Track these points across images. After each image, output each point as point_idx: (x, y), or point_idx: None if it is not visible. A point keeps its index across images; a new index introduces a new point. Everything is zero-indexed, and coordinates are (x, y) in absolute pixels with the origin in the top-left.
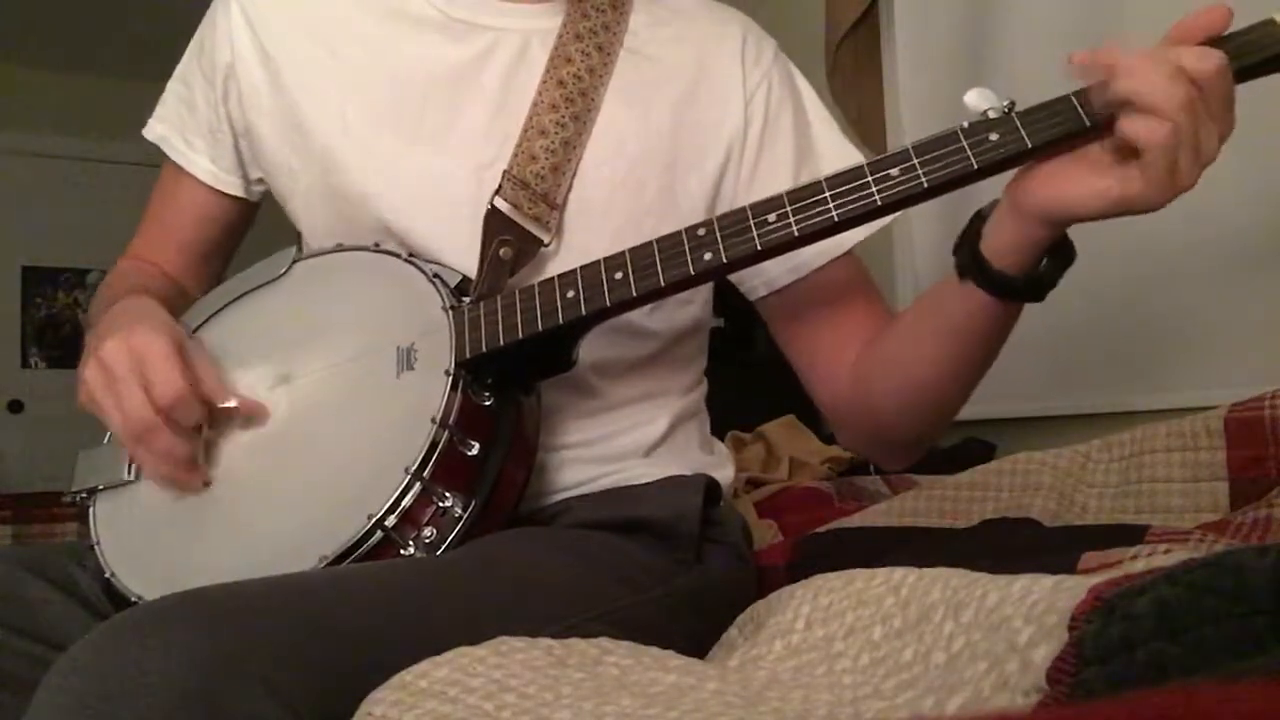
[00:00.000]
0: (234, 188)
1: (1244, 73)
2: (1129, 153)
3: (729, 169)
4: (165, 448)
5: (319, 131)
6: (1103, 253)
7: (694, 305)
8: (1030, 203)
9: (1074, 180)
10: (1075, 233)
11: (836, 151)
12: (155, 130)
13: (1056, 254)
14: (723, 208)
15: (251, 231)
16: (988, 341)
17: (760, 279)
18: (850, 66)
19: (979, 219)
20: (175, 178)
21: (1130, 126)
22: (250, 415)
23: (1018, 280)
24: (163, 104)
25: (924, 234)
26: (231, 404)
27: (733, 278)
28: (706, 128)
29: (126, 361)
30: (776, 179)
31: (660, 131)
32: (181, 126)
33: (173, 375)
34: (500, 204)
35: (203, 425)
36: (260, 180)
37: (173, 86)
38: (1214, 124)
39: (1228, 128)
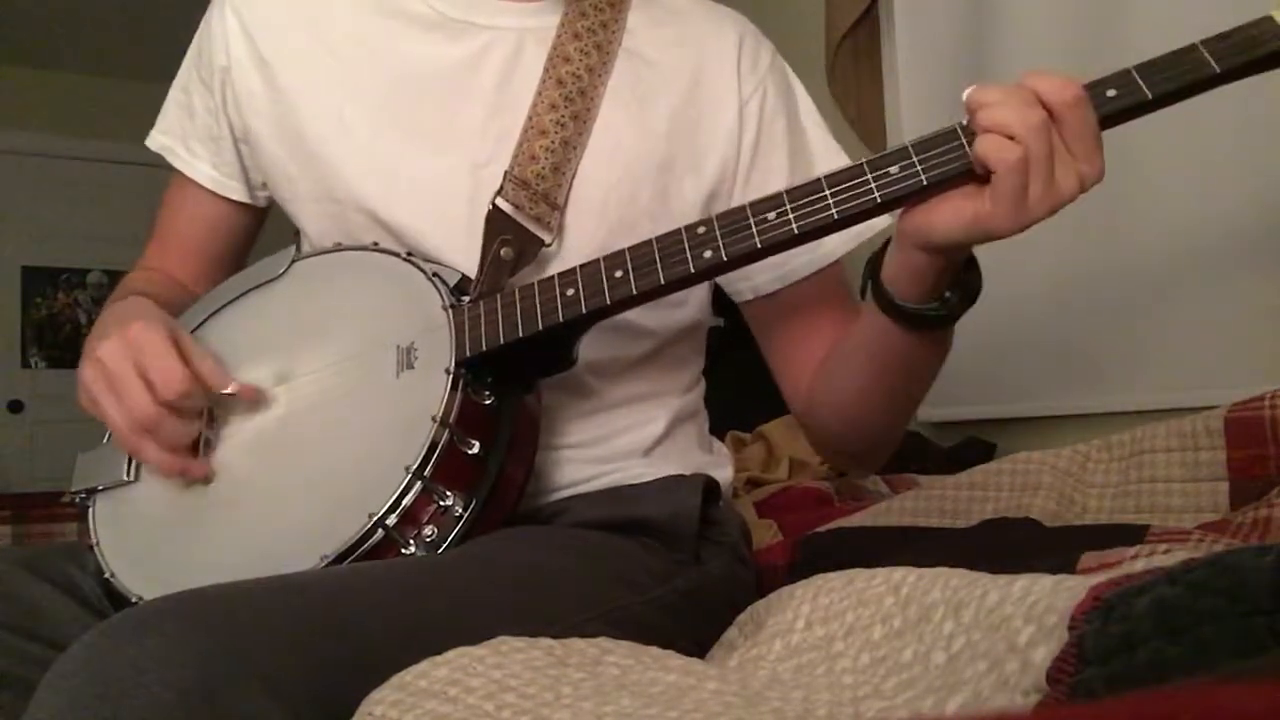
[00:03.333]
0: (238, 193)
1: (1244, 69)
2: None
3: (724, 175)
4: (169, 439)
5: (316, 133)
6: (1103, 253)
7: (691, 305)
8: (903, 226)
9: (939, 208)
10: (1076, 231)
11: (830, 157)
12: (157, 140)
13: (960, 286)
14: (718, 211)
15: None
16: (906, 365)
17: (747, 283)
18: (850, 66)
19: (886, 245)
20: (181, 187)
21: (981, 146)
22: (250, 401)
23: (909, 309)
24: (163, 114)
25: None
26: (231, 390)
27: (720, 280)
28: (702, 131)
29: (125, 357)
30: (771, 185)
31: (656, 133)
32: (183, 134)
33: (172, 366)
34: (502, 204)
35: (202, 415)
36: (264, 185)
37: (173, 95)
38: (1072, 158)
39: (1091, 169)
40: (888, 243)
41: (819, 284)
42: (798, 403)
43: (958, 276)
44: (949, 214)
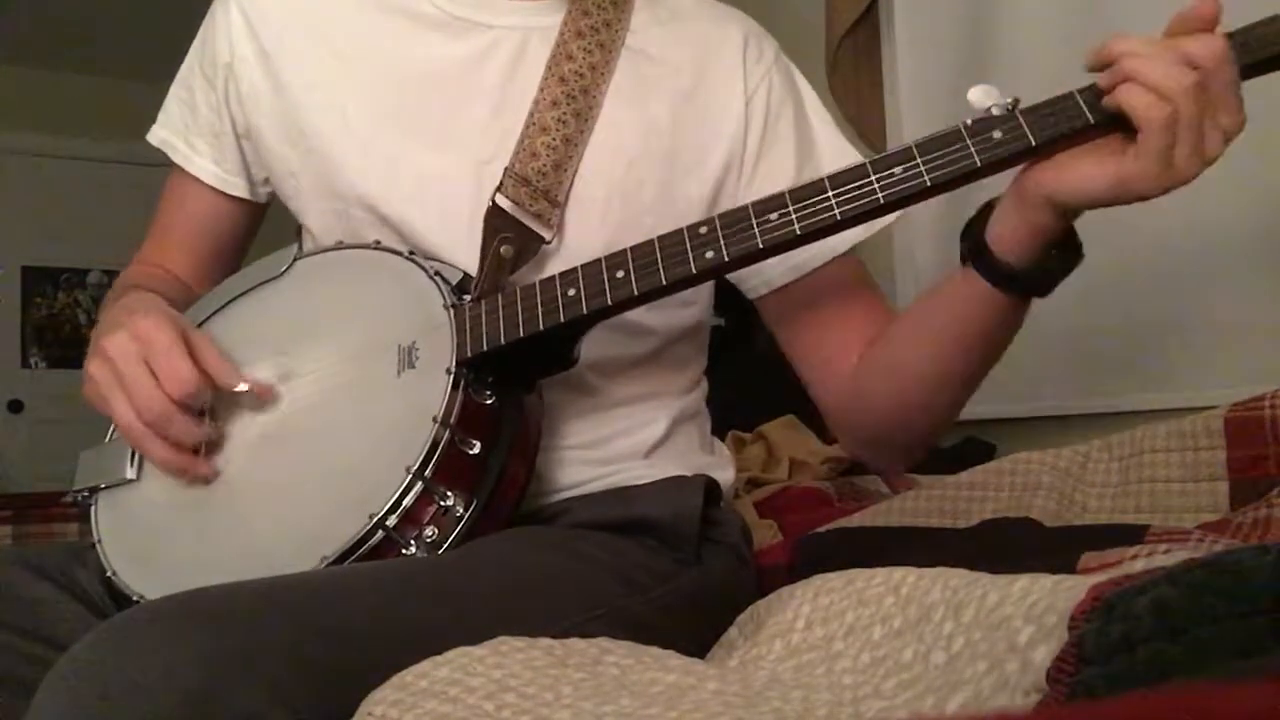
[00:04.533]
0: (239, 189)
1: (1250, 69)
2: (1130, 139)
3: (730, 171)
4: (177, 435)
5: (319, 130)
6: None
7: (694, 305)
8: (1032, 187)
9: (1074, 165)
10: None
11: (837, 153)
12: (158, 135)
13: (1064, 248)
14: (722, 209)
15: None
16: (988, 336)
17: (760, 278)
18: (850, 66)
19: (988, 207)
20: (181, 182)
21: (1130, 97)
22: (260, 399)
23: (1017, 269)
24: (165, 109)
25: (925, 233)
26: (243, 387)
27: (732, 276)
28: (706, 129)
29: (132, 352)
30: (777, 182)
31: (659, 131)
32: (184, 130)
33: (181, 362)
34: (502, 201)
35: (204, 414)
36: (266, 181)
37: (174, 91)
38: (1219, 115)
39: (1234, 123)
40: (986, 208)
41: (835, 274)
42: (833, 397)
43: (1063, 237)
44: (1088, 172)
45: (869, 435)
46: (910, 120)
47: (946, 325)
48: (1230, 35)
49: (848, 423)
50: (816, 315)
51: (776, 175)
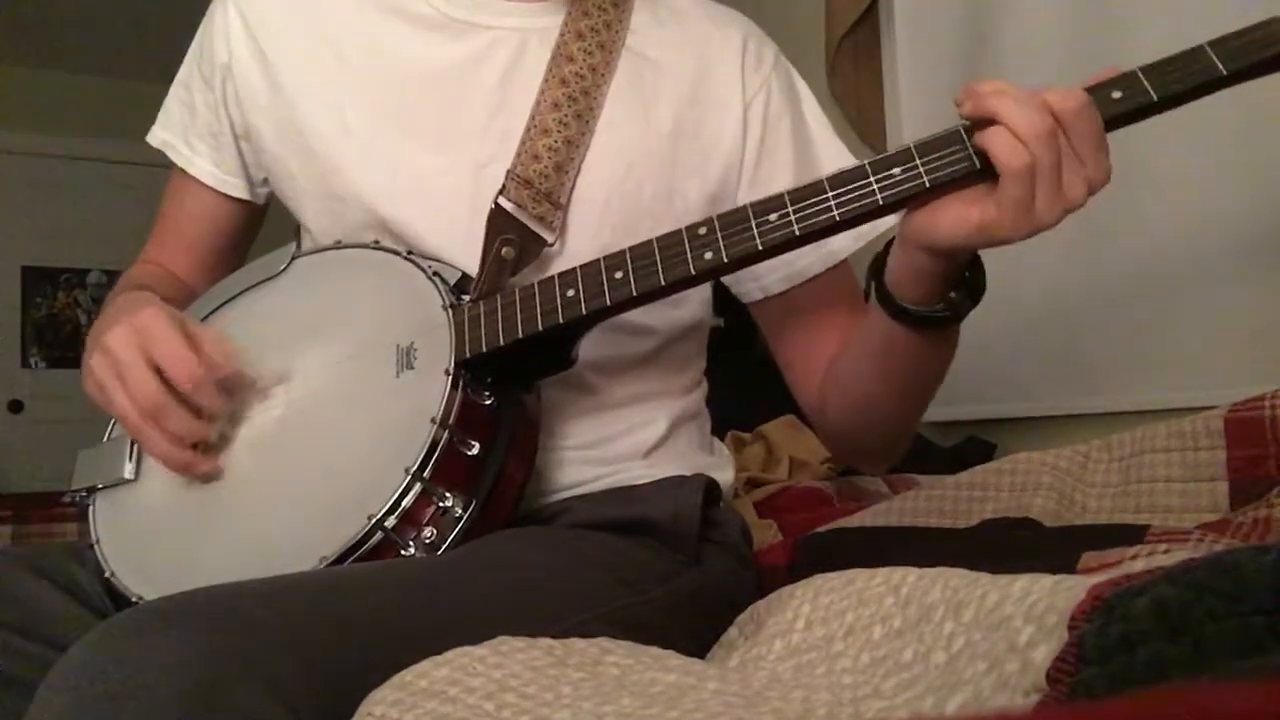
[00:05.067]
0: (238, 190)
1: (1252, 70)
2: (994, 185)
3: (729, 176)
4: (177, 428)
5: (317, 131)
6: (1103, 253)
7: (693, 304)
8: (908, 232)
9: (945, 210)
10: (1077, 231)
11: (836, 157)
12: (158, 136)
13: (964, 286)
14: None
15: None
16: (913, 366)
17: (755, 283)
18: (850, 66)
19: (888, 247)
20: (181, 183)
21: (992, 143)
22: (267, 388)
23: (909, 308)
24: (165, 110)
25: None
26: (248, 371)
27: (727, 280)
28: (706, 133)
29: (133, 344)
30: (776, 186)
31: (660, 133)
32: (184, 131)
33: (182, 353)
34: (504, 203)
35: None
36: (265, 181)
37: (174, 91)
38: (1080, 165)
39: (1098, 174)
40: (890, 244)
41: (827, 283)
42: (810, 402)
43: (962, 276)
44: (954, 217)
45: (838, 441)
46: (910, 120)
47: (872, 355)
48: (1228, 41)
49: (819, 426)
50: (802, 322)
51: (776, 179)
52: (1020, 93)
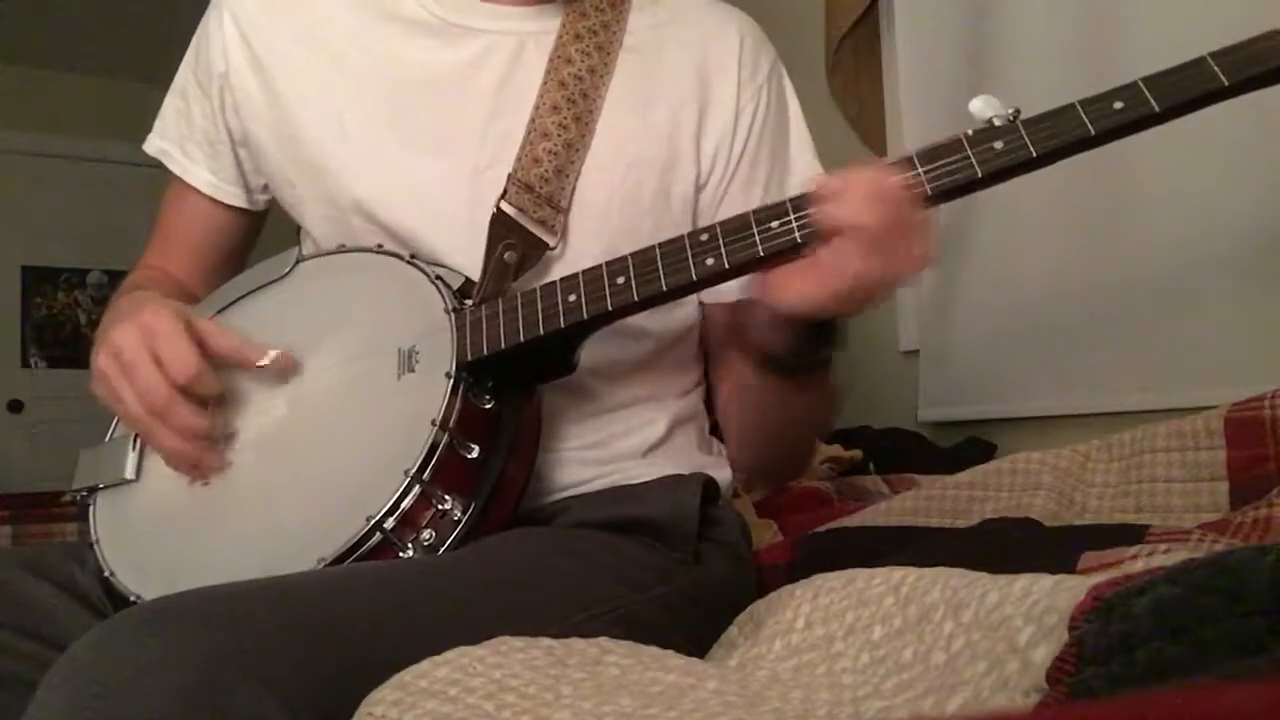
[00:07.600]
0: (236, 198)
1: (1252, 82)
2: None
3: (710, 179)
4: (183, 423)
5: (314, 138)
6: (1103, 253)
7: (692, 308)
8: (756, 294)
9: (787, 283)
10: (1077, 232)
11: (805, 169)
12: (155, 144)
13: (819, 336)
14: (701, 217)
15: None
16: (783, 406)
17: (714, 291)
18: (850, 66)
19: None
20: (179, 191)
21: (823, 220)
22: (280, 374)
23: (766, 352)
24: (161, 117)
25: None
26: (266, 361)
27: None
28: (699, 134)
29: (138, 341)
30: (750, 197)
31: (658, 134)
32: (180, 139)
33: (185, 348)
34: (506, 207)
35: (208, 405)
36: (265, 188)
37: (170, 100)
38: (906, 244)
39: (921, 253)
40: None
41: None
42: (719, 418)
43: (820, 326)
44: (797, 289)
45: (731, 458)
46: (910, 120)
47: (747, 392)
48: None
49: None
50: (728, 340)
51: (749, 192)
52: (847, 184)
